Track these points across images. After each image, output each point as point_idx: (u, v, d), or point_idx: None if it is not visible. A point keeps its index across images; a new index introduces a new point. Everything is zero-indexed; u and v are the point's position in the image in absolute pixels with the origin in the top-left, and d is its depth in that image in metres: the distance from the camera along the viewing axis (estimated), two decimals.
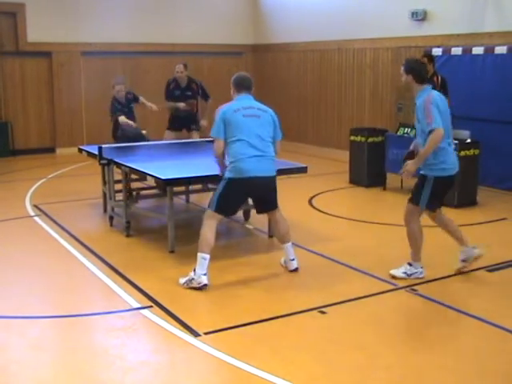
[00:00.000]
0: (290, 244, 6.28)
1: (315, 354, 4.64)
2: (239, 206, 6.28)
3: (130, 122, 9.34)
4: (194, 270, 5.79)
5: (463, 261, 6.31)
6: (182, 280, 5.85)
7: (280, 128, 6.18)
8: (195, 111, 10.35)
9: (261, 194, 6.11)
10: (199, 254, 5.79)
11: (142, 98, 9.80)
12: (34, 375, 4.36)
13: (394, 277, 6.13)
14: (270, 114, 6.07)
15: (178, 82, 10.16)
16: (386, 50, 12.26)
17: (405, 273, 6.15)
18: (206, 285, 5.72)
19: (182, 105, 10.11)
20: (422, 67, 6.14)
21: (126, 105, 9.56)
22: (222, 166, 6.07)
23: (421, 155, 5.90)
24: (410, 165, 6.01)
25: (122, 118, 9.34)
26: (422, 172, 6.03)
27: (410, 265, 6.19)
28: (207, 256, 5.78)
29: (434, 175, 5.93)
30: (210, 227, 5.88)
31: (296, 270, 6.24)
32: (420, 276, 6.15)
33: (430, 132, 5.74)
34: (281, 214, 6.29)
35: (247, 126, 5.85)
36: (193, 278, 5.76)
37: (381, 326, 5.14)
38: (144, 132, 9.59)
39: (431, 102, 5.80)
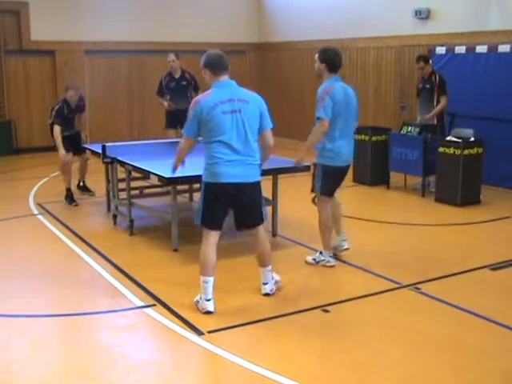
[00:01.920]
0: (267, 268, 5.58)
1: (318, 352, 4.64)
2: (223, 216, 5.35)
3: (64, 155, 9.26)
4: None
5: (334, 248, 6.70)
6: (195, 299, 5.41)
7: (269, 116, 5.35)
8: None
9: (238, 203, 5.29)
10: (200, 277, 5.31)
11: (85, 117, 9.92)
12: (35, 374, 4.37)
13: (306, 261, 6.53)
14: (254, 104, 5.22)
15: (172, 74, 10.33)
16: (390, 49, 12.24)
17: (314, 259, 6.48)
18: (209, 312, 5.23)
19: (165, 104, 10.34)
20: (337, 57, 6.17)
21: (74, 112, 9.53)
22: (178, 163, 5.57)
23: (306, 144, 6.16)
24: (297, 154, 6.31)
25: (57, 132, 9.27)
26: (316, 161, 6.28)
27: (320, 253, 6.48)
28: (208, 279, 5.25)
29: (322, 163, 6.18)
30: (204, 249, 5.32)
31: (267, 295, 5.61)
32: (328, 265, 6.44)
33: (317, 120, 5.99)
34: (263, 232, 5.55)
35: (226, 126, 5.06)
36: (198, 301, 5.34)
37: (384, 324, 5.13)
38: (83, 135, 9.72)
39: (328, 93, 5.95)
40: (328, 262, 6.45)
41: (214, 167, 5.15)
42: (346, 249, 6.76)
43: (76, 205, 9.29)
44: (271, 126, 5.37)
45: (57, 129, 9.27)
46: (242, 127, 5.13)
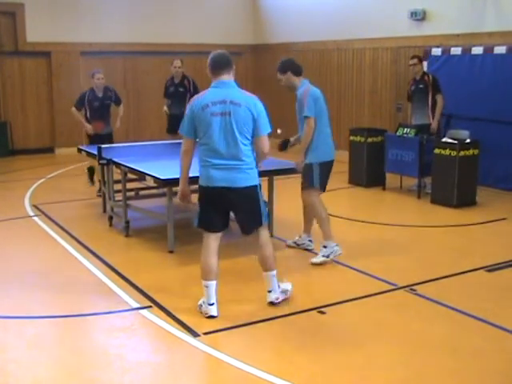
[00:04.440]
0: (271, 273, 5.37)
1: (314, 353, 4.63)
2: (220, 219, 5.27)
3: (88, 127, 9.65)
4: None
5: (297, 243, 7.08)
6: (199, 302, 5.35)
7: (265, 121, 5.16)
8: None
9: (234, 206, 5.23)
10: (202, 282, 5.28)
11: (121, 109, 10.02)
12: (32, 375, 4.36)
13: (314, 264, 6.51)
14: (248, 107, 5.04)
15: (173, 79, 10.42)
16: (386, 50, 12.26)
17: (323, 256, 6.53)
18: (212, 316, 5.17)
19: (164, 109, 10.56)
20: (295, 61, 6.56)
21: (100, 101, 9.68)
22: (185, 169, 5.28)
23: (302, 145, 6.44)
24: (298, 158, 6.50)
25: (74, 112, 9.79)
26: (306, 162, 6.47)
27: (325, 247, 6.56)
28: (209, 283, 5.20)
29: (319, 161, 6.44)
30: (204, 252, 5.27)
31: (271, 304, 5.38)
32: (337, 253, 6.56)
33: (304, 119, 6.33)
34: (267, 236, 5.42)
35: (214, 128, 5.00)
36: (201, 305, 5.30)
37: (380, 326, 5.13)
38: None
39: (307, 94, 6.32)
40: (336, 251, 6.56)
41: (206, 170, 5.14)
42: (310, 250, 6.96)
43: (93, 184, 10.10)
44: (267, 131, 5.17)
45: (72, 110, 9.81)
46: (230, 131, 5.02)
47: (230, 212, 5.35)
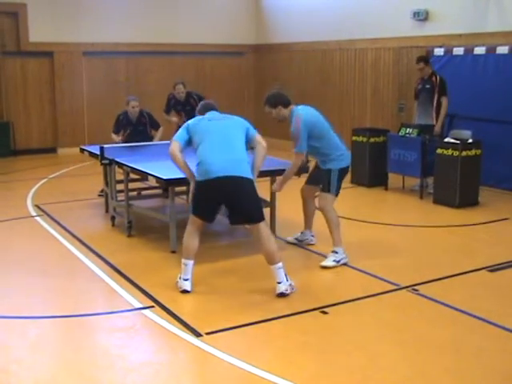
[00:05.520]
0: (276, 266, 5.59)
1: (317, 354, 4.64)
2: (214, 211, 5.70)
3: (118, 139, 9.42)
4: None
5: (298, 240, 7.22)
6: (177, 279, 5.83)
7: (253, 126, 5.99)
8: None
9: (231, 197, 5.57)
10: (182, 259, 5.76)
11: (160, 132, 9.66)
12: (34, 375, 4.36)
13: (325, 267, 6.41)
14: (238, 120, 5.91)
15: (177, 97, 10.34)
16: (388, 50, 12.25)
17: (334, 261, 6.46)
18: (186, 290, 5.68)
19: (174, 119, 10.34)
20: (284, 95, 6.53)
21: (134, 125, 9.50)
22: (186, 164, 5.81)
23: (286, 176, 6.57)
24: (277, 184, 6.71)
25: (114, 137, 9.47)
26: (325, 167, 6.51)
27: (335, 252, 6.51)
28: (188, 262, 5.70)
29: (338, 167, 6.47)
30: (189, 233, 5.71)
31: (281, 294, 5.59)
32: (345, 260, 6.53)
33: (295, 153, 6.36)
34: (266, 231, 5.66)
35: (212, 129, 5.71)
36: (177, 281, 5.77)
37: (382, 326, 5.13)
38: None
39: (299, 124, 6.28)
40: (345, 258, 6.53)
41: (203, 166, 5.53)
42: (313, 244, 7.16)
43: None
44: (256, 131, 5.92)
45: (112, 136, 9.48)
46: (226, 130, 5.74)
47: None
